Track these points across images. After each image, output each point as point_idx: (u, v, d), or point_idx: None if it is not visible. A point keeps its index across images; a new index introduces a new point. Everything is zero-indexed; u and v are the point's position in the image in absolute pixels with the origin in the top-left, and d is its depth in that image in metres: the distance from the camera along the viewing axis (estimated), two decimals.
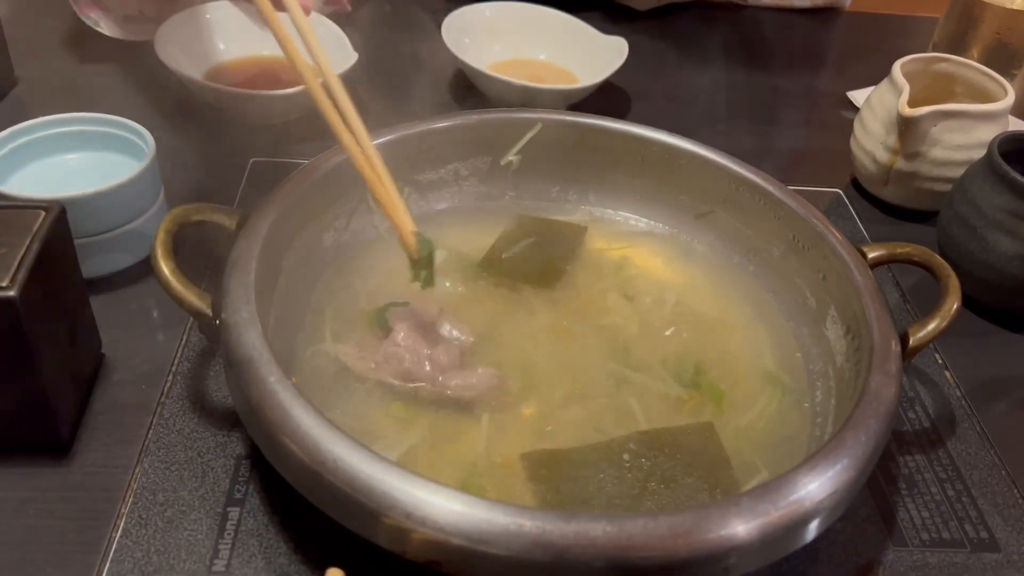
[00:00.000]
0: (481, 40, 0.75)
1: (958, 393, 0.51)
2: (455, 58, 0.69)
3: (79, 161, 0.53)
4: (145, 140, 0.52)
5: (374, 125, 0.53)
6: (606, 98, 0.73)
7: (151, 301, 0.50)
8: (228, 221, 0.44)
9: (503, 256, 0.53)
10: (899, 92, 0.61)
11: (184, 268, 0.40)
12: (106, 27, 0.70)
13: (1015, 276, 0.53)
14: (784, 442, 0.43)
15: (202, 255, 0.51)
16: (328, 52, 0.67)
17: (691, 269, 0.54)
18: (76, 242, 0.43)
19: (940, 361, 0.53)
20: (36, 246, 0.38)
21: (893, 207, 0.66)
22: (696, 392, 0.46)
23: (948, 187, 0.60)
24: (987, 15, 0.72)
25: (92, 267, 0.49)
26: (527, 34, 0.77)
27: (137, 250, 0.51)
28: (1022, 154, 0.57)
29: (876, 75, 0.65)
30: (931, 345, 0.52)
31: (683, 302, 0.51)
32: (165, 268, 0.39)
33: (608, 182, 0.57)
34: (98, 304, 0.47)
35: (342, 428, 0.33)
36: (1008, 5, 0.71)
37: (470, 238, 0.53)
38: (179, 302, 0.39)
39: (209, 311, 0.39)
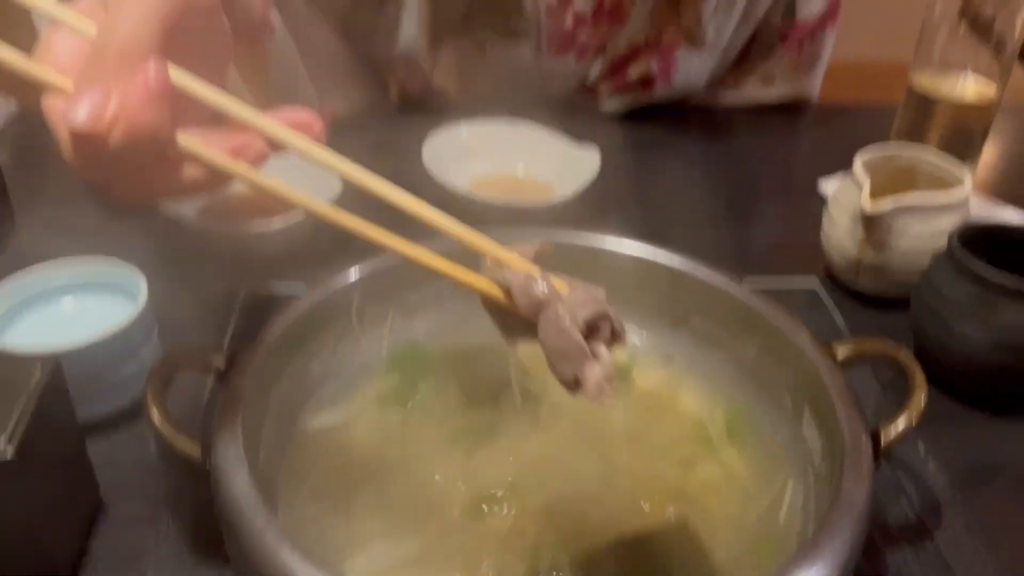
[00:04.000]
0: (460, 159, 0.78)
1: (943, 483, 0.52)
2: (435, 180, 0.72)
3: (74, 306, 0.55)
4: (137, 282, 0.54)
5: (360, 253, 0.55)
6: (584, 204, 0.76)
7: (147, 441, 0.52)
8: (218, 361, 0.46)
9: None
10: (860, 187, 0.64)
11: (177, 407, 0.41)
12: None
13: (987, 363, 0.55)
14: (764, 546, 0.44)
15: (194, 392, 0.53)
16: (313, 182, 0.71)
17: (669, 376, 0.56)
18: (71, 391, 0.45)
19: (923, 451, 0.54)
20: (32, 403, 0.40)
21: (868, 296, 0.68)
22: (674, 500, 0.46)
23: (918, 276, 0.61)
24: (940, 109, 0.75)
25: (87, 412, 0.51)
26: (504, 150, 0.80)
27: (132, 392, 0.53)
28: (983, 241, 0.59)
29: (845, 164, 0.68)
30: (912, 434, 0.53)
31: (662, 410, 0.53)
32: (156, 416, 0.41)
33: None
34: (94, 448, 0.48)
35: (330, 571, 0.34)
36: (958, 99, 0.75)
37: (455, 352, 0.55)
38: (170, 449, 0.41)
39: (199, 456, 0.40)
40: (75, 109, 0.31)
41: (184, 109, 0.35)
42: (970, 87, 0.76)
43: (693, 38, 0.91)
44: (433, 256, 0.41)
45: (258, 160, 0.37)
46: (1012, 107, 1.03)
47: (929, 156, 0.68)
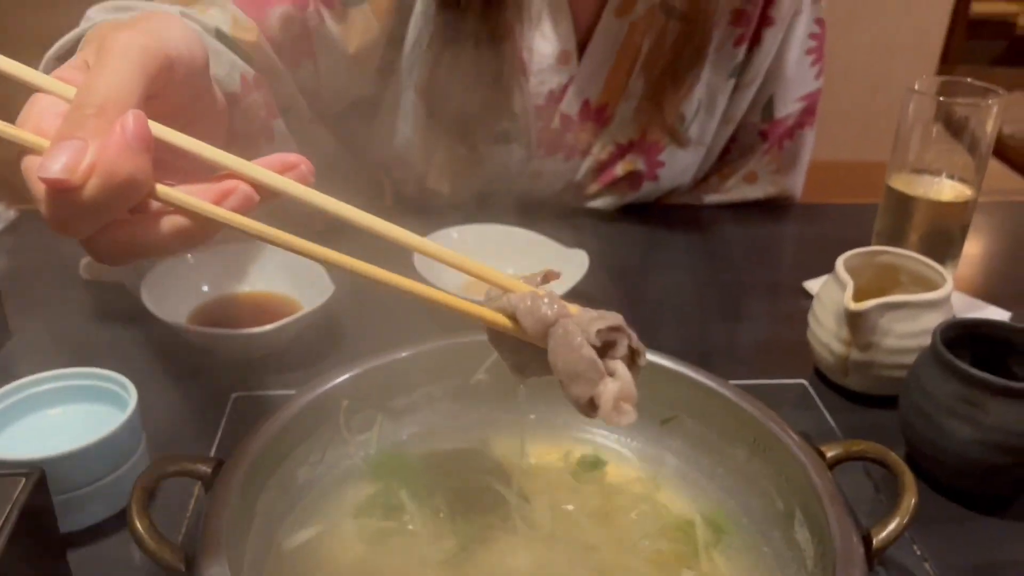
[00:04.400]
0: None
1: None
2: (428, 282, 0.73)
3: (62, 415, 0.55)
4: (127, 390, 0.54)
5: (351, 355, 0.56)
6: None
7: (130, 551, 0.51)
8: (204, 469, 0.46)
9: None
10: (844, 288, 0.65)
11: (163, 515, 0.41)
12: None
13: (977, 461, 0.55)
14: None
15: (182, 497, 0.53)
16: (307, 285, 0.72)
17: (661, 477, 0.55)
18: (56, 498, 0.45)
19: (918, 552, 0.53)
20: (15, 515, 0.39)
21: (857, 394, 0.68)
22: None
23: (905, 373, 0.62)
24: (918, 209, 0.77)
25: (71, 522, 0.50)
26: (494, 253, 0.81)
27: (117, 501, 0.52)
28: (967, 338, 0.60)
29: (829, 264, 0.69)
30: (907, 535, 0.53)
31: (654, 514, 0.52)
32: (139, 526, 0.40)
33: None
34: (77, 559, 0.47)
35: None
36: (936, 198, 0.77)
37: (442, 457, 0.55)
38: (153, 559, 0.40)
39: (182, 566, 0.40)
40: (50, 160, 0.31)
41: (169, 164, 0.35)
42: (946, 187, 0.78)
43: (677, 137, 0.94)
44: (434, 290, 0.40)
45: (245, 205, 0.35)
46: (989, 205, 1.06)
47: (910, 256, 0.70)
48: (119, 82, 0.33)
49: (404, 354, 0.56)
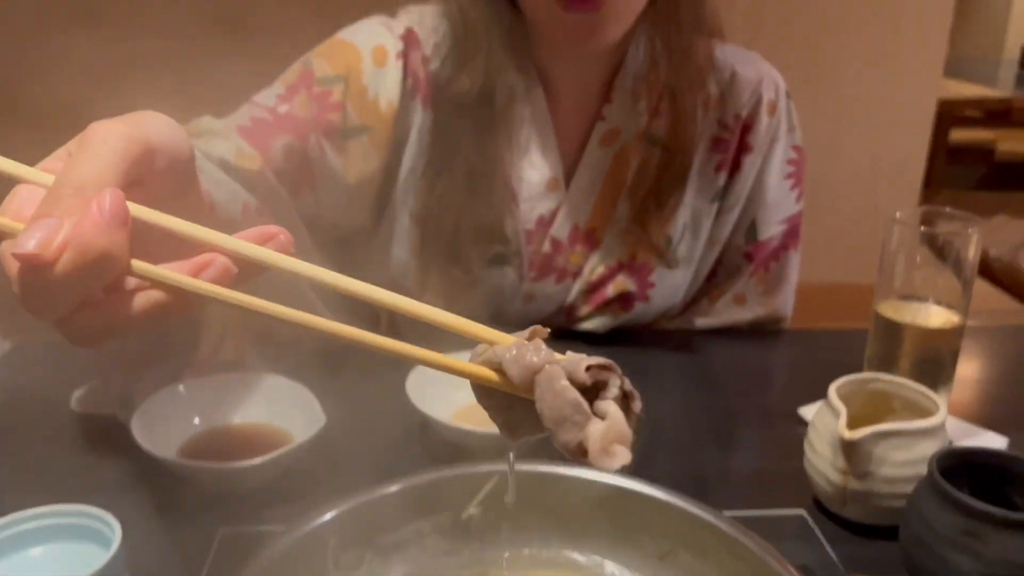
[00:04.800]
0: (445, 390, 0.79)
1: None
2: (419, 411, 0.73)
3: (44, 555, 0.54)
4: (112, 528, 0.53)
5: (341, 488, 0.55)
6: None
7: None
8: None
9: None
10: (838, 415, 0.64)
11: None
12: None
13: None
14: None
15: None
16: (298, 415, 0.72)
17: None
18: None
19: None
20: None
21: (857, 525, 0.67)
22: None
23: (904, 501, 0.61)
24: (907, 335, 0.78)
25: None
26: None
27: None
28: (964, 466, 0.59)
29: (822, 390, 0.69)
30: None
31: None
32: None
33: (570, 526, 0.59)
34: None
35: None
36: (924, 324, 0.78)
37: None
38: None
39: None
40: (24, 237, 0.31)
41: (149, 248, 0.34)
42: (934, 313, 0.79)
43: (665, 258, 0.96)
44: (419, 349, 0.39)
45: (223, 277, 0.35)
46: (980, 328, 1.07)
47: (903, 383, 0.70)
48: (98, 165, 0.33)
49: (393, 489, 0.56)
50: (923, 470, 0.60)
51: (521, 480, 0.57)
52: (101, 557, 0.50)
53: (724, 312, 1.03)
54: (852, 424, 0.63)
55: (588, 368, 0.35)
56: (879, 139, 2.32)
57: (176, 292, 0.34)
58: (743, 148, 0.96)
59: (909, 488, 0.60)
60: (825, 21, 2.28)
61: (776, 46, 2.28)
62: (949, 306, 0.79)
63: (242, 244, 0.36)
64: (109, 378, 0.79)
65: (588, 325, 1.00)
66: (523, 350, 0.36)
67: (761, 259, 1.00)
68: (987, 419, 0.83)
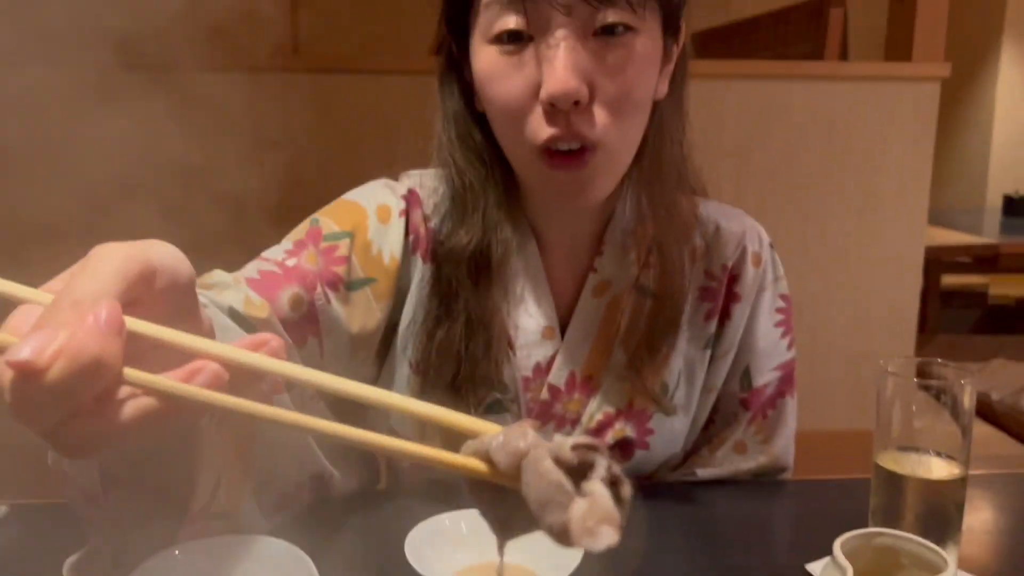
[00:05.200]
0: (443, 549, 0.78)
1: None
2: (418, 573, 0.71)
3: None
4: None
5: None
6: None
7: None
8: None
9: None
10: (844, 573, 0.63)
11: None
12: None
13: None
14: None
15: None
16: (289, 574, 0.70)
17: None
18: None
19: None
20: None
21: None
22: None
23: None
24: (910, 487, 0.77)
25: None
26: (487, 538, 0.80)
27: None
28: None
29: (828, 544, 0.67)
30: None
31: None
32: None
33: None
34: None
35: None
36: (925, 475, 0.77)
37: None
38: None
39: None
40: (20, 346, 0.31)
41: (144, 361, 0.35)
42: (935, 464, 0.78)
43: (662, 405, 0.97)
44: (410, 444, 0.39)
45: (214, 382, 0.35)
46: (986, 478, 1.06)
47: (909, 538, 0.69)
48: (98, 281, 0.34)
49: None
50: None
51: None
52: None
53: (725, 461, 1.03)
54: None
55: (574, 448, 0.35)
56: (870, 287, 2.36)
57: (168, 399, 0.35)
58: (731, 297, 0.99)
59: None
60: (809, 174, 2.38)
61: (763, 199, 2.37)
62: (950, 456, 0.79)
63: (234, 350, 0.37)
64: (102, 542, 0.77)
65: None
66: (510, 436, 0.37)
67: (758, 406, 1.01)
68: (998, 572, 0.81)
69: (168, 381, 0.35)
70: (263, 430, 0.77)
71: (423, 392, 0.93)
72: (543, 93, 0.79)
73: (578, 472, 0.35)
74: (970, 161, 5.21)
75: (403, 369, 0.94)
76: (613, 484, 0.36)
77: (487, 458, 0.38)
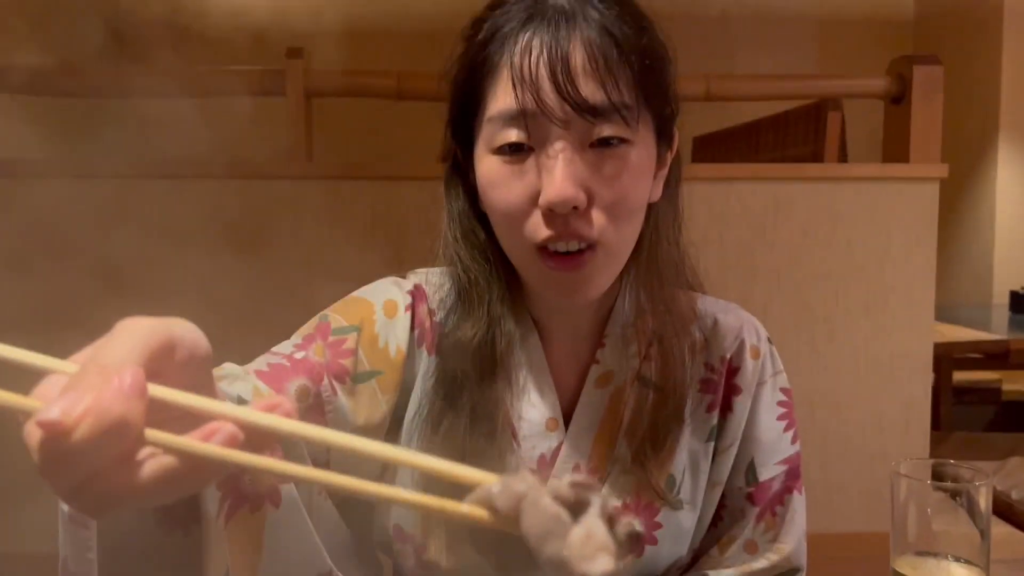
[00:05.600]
0: None
1: None
2: None
3: None
4: None
5: None
6: None
7: None
8: None
9: None
10: None
11: None
12: None
13: None
14: None
15: None
16: None
17: None
18: None
19: None
20: None
21: None
22: None
23: None
24: None
25: None
26: None
27: None
28: None
29: None
30: None
31: None
32: None
33: None
34: None
35: None
36: None
37: None
38: None
39: None
40: (48, 408, 0.34)
41: (161, 422, 0.37)
42: (954, 567, 0.77)
43: (668, 499, 0.96)
44: (417, 495, 0.42)
45: (231, 442, 0.38)
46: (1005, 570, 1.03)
47: None
48: (123, 351, 0.37)
49: None
50: None
51: None
52: None
53: (736, 560, 1.01)
54: None
55: (571, 485, 0.36)
56: (881, 386, 2.35)
57: (187, 458, 0.37)
58: (732, 390, 1.00)
59: None
60: (815, 274, 2.40)
61: (770, 298, 2.39)
62: (969, 561, 0.77)
63: (249, 412, 0.40)
64: None
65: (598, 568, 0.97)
66: (509, 480, 0.38)
67: (765, 502, 1.00)
68: None
69: (187, 440, 0.37)
70: (272, 535, 0.76)
71: (427, 488, 0.92)
72: (543, 199, 0.83)
73: (575, 508, 0.36)
74: (974, 259, 5.25)
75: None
76: (611, 520, 0.37)
77: (489, 505, 0.39)
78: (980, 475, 0.77)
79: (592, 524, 0.36)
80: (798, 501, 1.02)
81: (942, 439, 3.14)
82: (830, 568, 1.07)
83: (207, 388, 0.45)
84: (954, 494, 0.77)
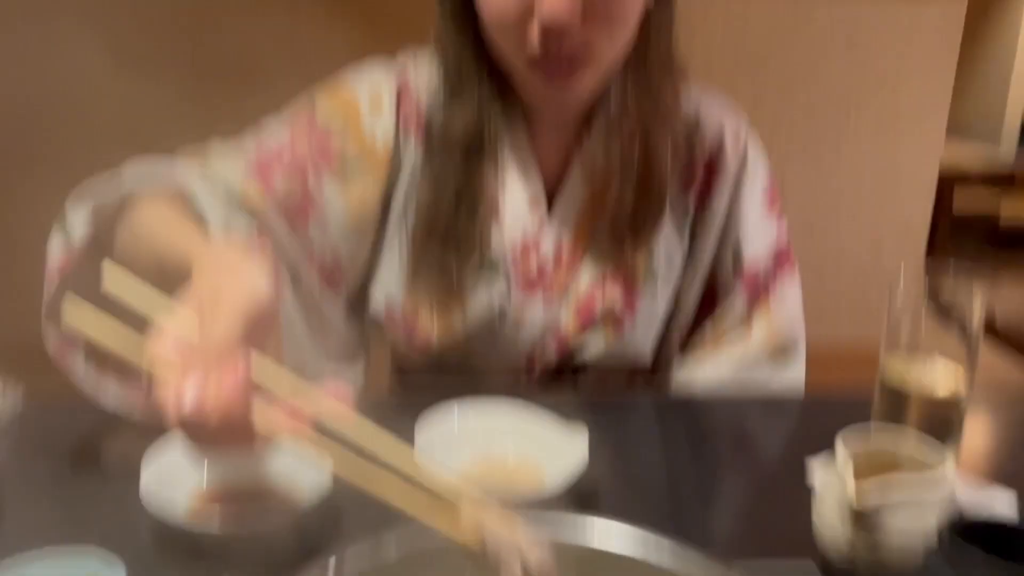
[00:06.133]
0: (452, 444, 0.79)
1: None
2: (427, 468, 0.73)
3: None
4: (117, 571, 0.53)
5: (344, 551, 0.55)
6: (573, 490, 0.76)
7: None
8: None
9: None
10: (845, 479, 0.64)
11: None
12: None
13: None
14: None
15: None
16: (304, 477, 0.72)
17: None
18: None
19: None
20: None
21: None
22: None
23: (914, 561, 0.60)
24: (913, 395, 0.78)
25: None
26: (494, 433, 0.82)
27: None
28: (975, 532, 0.59)
29: (830, 441, 0.69)
30: None
31: None
32: None
33: None
34: None
35: None
36: (931, 384, 0.78)
37: None
38: None
39: None
40: (183, 399, 0.44)
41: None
42: (940, 371, 0.79)
43: (645, 275, 1.01)
44: (420, 503, 0.51)
45: (305, 432, 0.50)
46: (986, 384, 1.07)
47: (911, 442, 0.70)
48: (229, 329, 0.47)
49: (399, 548, 0.55)
50: (933, 534, 0.59)
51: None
52: None
53: (732, 344, 1.05)
54: (859, 475, 0.63)
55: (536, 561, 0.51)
56: (883, 205, 2.34)
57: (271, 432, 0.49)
58: (712, 174, 1.02)
59: (919, 553, 0.60)
60: (827, 90, 2.33)
61: (779, 112, 2.33)
62: (956, 363, 0.79)
63: (318, 397, 0.51)
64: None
65: (584, 356, 1.02)
66: (496, 540, 0.51)
67: (758, 283, 1.04)
68: (995, 474, 0.82)
69: (274, 431, 0.49)
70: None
71: (415, 264, 0.97)
72: (539, 14, 0.82)
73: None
74: (990, 81, 5.10)
75: (396, 244, 0.98)
76: None
77: (483, 544, 0.51)
78: (977, 281, 0.78)
79: None
80: (789, 278, 1.05)
81: (935, 264, 3.18)
82: (816, 376, 1.11)
83: (270, 330, 0.53)
84: (950, 299, 0.78)
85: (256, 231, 0.85)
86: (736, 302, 1.05)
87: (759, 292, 1.04)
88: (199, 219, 0.80)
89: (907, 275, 0.79)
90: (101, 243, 0.81)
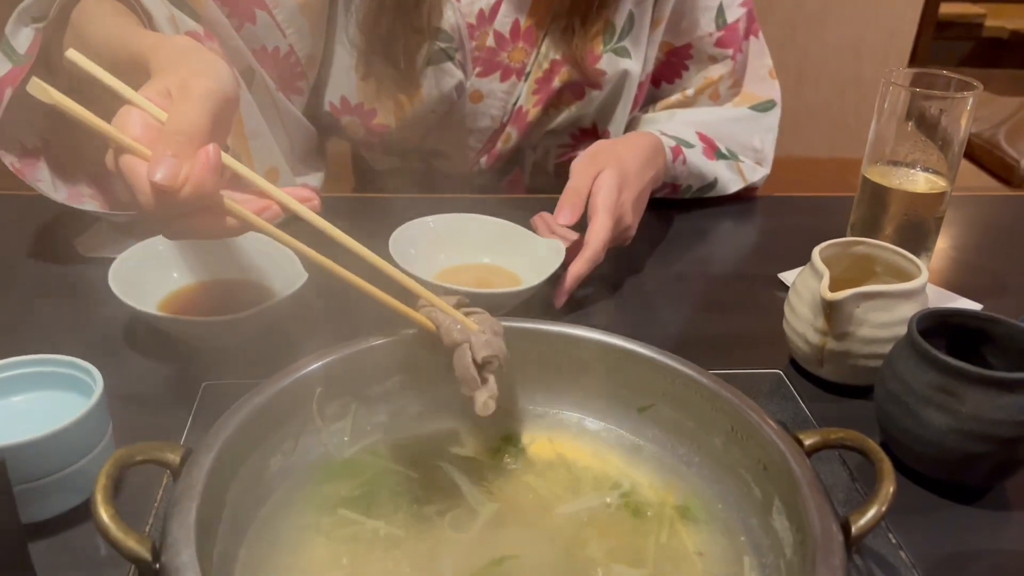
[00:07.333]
0: (427, 250, 0.78)
1: (915, 574, 0.51)
2: (402, 269, 0.72)
3: (24, 403, 0.53)
4: (93, 377, 0.52)
5: (325, 343, 0.55)
6: (549, 294, 0.76)
7: (96, 542, 0.49)
8: (172, 457, 0.44)
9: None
10: (820, 277, 0.65)
11: (130, 506, 0.39)
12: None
13: (953, 450, 0.55)
14: None
15: (149, 490, 0.51)
16: (280, 272, 0.71)
17: (637, 464, 0.55)
18: (17, 488, 0.43)
19: (894, 541, 0.53)
20: None
21: (832, 384, 0.68)
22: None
23: (880, 363, 0.62)
24: (894, 199, 0.77)
25: (34, 511, 0.49)
26: (470, 241, 0.81)
27: (83, 490, 0.50)
28: (942, 328, 0.60)
29: (804, 256, 0.69)
30: (883, 524, 0.53)
31: (630, 499, 0.52)
32: (104, 514, 0.39)
33: (550, 382, 0.59)
34: (40, 549, 0.46)
35: None
36: (911, 189, 0.77)
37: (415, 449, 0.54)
38: (118, 549, 0.39)
39: (148, 556, 0.38)
40: (157, 168, 0.43)
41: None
42: (921, 179, 0.78)
43: (610, 44, 0.97)
44: (381, 292, 0.52)
45: (274, 217, 0.49)
46: (960, 199, 1.07)
47: (886, 247, 0.70)
48: (199, 113, 0.46)
49: (378, 342, 0.55)
50: (901, 332, 0.60)
51: (506, 336, 0.57)
52: (83, 406, 0.50)
53: (700, 104, 1.04)
54: (834, 287, 0.64)
55: (484, 357, 0.52)
56: (866, 10, 2.25)
57: (243, 222, 0.48)
58: None
59: (887, 349, 0.61)
60: None
61: None
62: (936, 173, 0.78)
63: (286, 197, 0.49)
64: (104, 221, 0.79)
65: (550, 127, 1.01)
66: (452, 325, 0.52)
67: (735, 46, 1.01)
68: (963, 287, 0.84)
69: (247, 213, 0.48)
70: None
71: (368, 51, 0.92)
72: None
73: (481, 363, 0.52)
74: None
75: (345, 37, 0.93)
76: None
77: (436, 326, 0.53)
78: (966, 87, 0.76)
79: (491, 383, 0.52)
80: (755, 45, 1.03)
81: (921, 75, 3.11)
82: (794, 186, 1.10)
83: (230, 123, 0.52)
84: (935, 107, 0.76)
85: (203, 30, 0.79)
86: (711, 69, 1.02)
87: (732, 59, 1.01)
88: (145, 16, 0.74)
89: (895, 79, 0.77)
90: (48, 53, 0.75)
